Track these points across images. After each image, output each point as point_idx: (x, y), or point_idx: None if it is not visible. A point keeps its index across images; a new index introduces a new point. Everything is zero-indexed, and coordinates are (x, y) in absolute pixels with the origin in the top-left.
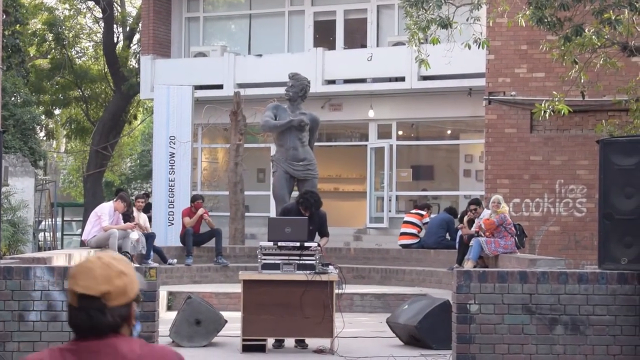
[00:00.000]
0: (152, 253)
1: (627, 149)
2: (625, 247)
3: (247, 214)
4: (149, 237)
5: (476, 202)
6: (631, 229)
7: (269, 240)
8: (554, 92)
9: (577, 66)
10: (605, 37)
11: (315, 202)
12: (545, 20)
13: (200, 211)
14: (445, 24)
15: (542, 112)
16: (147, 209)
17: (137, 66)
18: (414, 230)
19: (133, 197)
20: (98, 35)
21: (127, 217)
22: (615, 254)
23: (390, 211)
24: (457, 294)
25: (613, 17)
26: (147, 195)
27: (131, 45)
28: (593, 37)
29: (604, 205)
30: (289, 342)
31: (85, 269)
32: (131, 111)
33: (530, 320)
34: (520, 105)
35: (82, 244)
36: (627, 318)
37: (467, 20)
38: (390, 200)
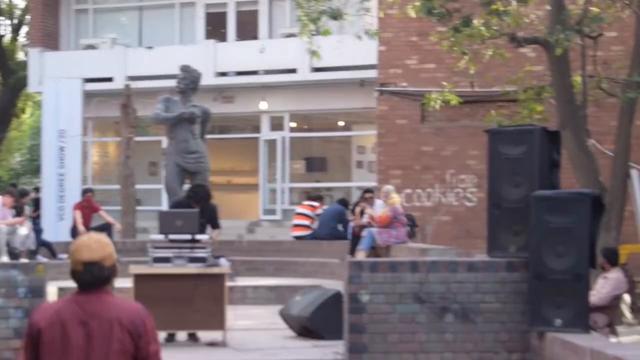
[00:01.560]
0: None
1: (514, 138)
2: (514, 235)
3: (138, 207)
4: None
5: (370, 191)
6: (519, 218)
7: (159, 234)
8: (444, 83)
9: (466, 57)
10: (494, 28)
11: (205, 195)
12: (435, 11)
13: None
14: (336, 16)
15: (432, 102)
16: (36, 203)
17: (25, 59)
18: (306, 222)
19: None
20: None
21: (19, 211)
22: (504, 243)
23: (283, 203)
24: (349, 285)
25: (501, 9)
26: (37, 189)
27: (19, 37)
28: (482, 28)
29: (492, 195)
30: (181, 335)
31: (85, 245)
32: (19, 105)
33: (421, 309)
34: (411, 96)
35: None
36: (515, 305)
37: (358, 11)
38: (283, 192)
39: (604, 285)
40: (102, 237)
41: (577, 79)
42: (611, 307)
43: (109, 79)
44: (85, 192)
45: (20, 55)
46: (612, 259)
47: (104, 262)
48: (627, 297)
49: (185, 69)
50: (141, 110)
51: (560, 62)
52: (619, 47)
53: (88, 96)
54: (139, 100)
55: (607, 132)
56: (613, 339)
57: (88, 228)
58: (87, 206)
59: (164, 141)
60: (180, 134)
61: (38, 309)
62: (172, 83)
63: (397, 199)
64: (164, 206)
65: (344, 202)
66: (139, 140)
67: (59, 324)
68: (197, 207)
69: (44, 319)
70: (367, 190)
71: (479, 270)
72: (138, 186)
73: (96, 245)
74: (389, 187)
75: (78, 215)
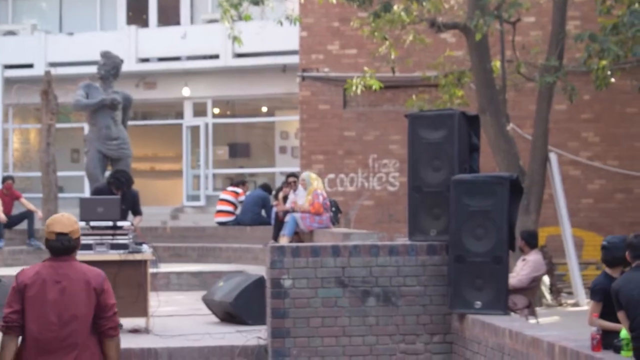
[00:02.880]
0: None
1: (434, 123)
2: (434, 219)
3: (60, 194)
4: None
5: (293, 175)
6: (439, 201)
7: (81, 221)
8: (366, 68)
9: (387, 42)
10: (414, 13)
11: (126, 181)
12: None
13: None
14: (257, 1)
15: (354, 87)
16: None
17: None
18: (229, 208)
19: None
20: None
21: None
22: (425, 226)
23: (207, 189)
24: (271, 270)
25: None
26: None
27: None
28: (402, 13)
29: (413, 179)
30: None
31: (57, 220)
32: None
33: (343, 293)
34: (334, 81)
35: None
36: (436, 288)
37: None
38: (207, 178)
39: (523, 268)
40: (71, 215)
41: (497, 63)
42: (530, 289)
43: (30, 66)
44: (5, 179)
45: None
46: (531, 241)
47: (72, 234)
48: (546, 279)
49: (106, 55)
50: (62, 96)
51: (479, 47)
52: (537, 32)
53: (8, 83)
54: (59, 87)
55: (526, 117)
56: (532, 320)
57: (9, 215)
58: (8, 194)
59: (86, 128)
60: (101, 121)
61: (22, 271)
62: (93, 69)
63: (318, 184)
64: (86, 193)
65: (267, 188)
66: (60, 127)
67: (39, 282)
68: (118, 193)
69: (28, 278)
70: (290, 175)
71: (400, 254)
72: (60, 173)
73: (67, 221)
74: (306, 174)
75: None
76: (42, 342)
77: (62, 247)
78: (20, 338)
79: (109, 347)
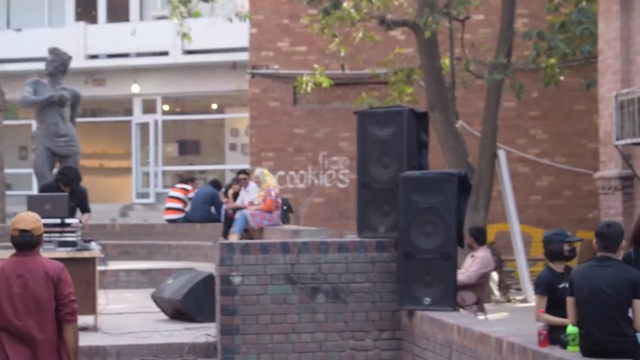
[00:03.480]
0: None
1: (383, 120)
2: (383, 215)
3: (8, 192)
4: None
5: (244, 172)
6: (388, 198)
7: None
8: (316, 66)
9: (337, 40)
10: (364, 11)
11: (74, 177)
12: None
13: None
14: None
15: (304, 85)
16: None
17: None
18: (179, 205)
19: None
20: None
21: None
22: (374, 223)
23: (156, 186)
24: (220, 267)
25: None
26: None
27: None
28: (352, 10)
29: (362, 176)
30: None
31: (21, 218)
32: None
33: (293, 290)
34: (284, 78)
35: None
36: (385, 285)
37: None
38: (156, 175)
39: (472, 264)
40: (35, 214)
41: (446, 61)
42: (479, 285)
43: None
44: None
45: None
46: (480, 238)
47: (34, 231)
48: (495, 275)
49: (54, 51)
50: (10, 93)
51: (428, 44)
52: (486, 29)
53: None
54: (7, 84)
55: (475, 114)
56: (481, 316)
57: None
58: None
59: (34, 125)
60: (49, 117)
61: None
62: (41, 66)
63: (271, 181)
64: (34, 190)
65: (216, 184)
66: (8, 124)
67: (4, 277)
68: (66, 190)
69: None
70: (241, 172)
71: (349, 250)
72: (7, 170)
73: (30, 219)
74: (260, 171)
75: None
76: (12, 331)
77: (25, 242)
78: None
79: (66, 331)
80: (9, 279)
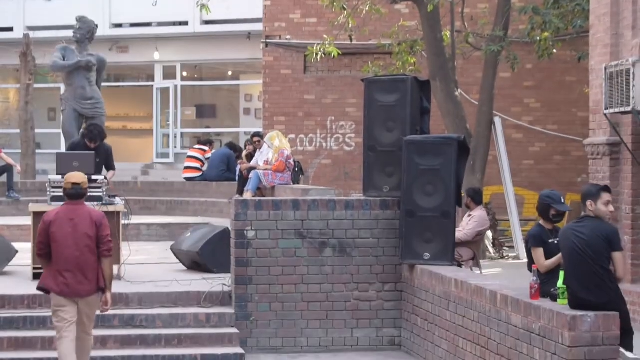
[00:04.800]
0: None
1: (388, 87)
2: (387, 176)
3: (38, 150)
4: None
5: (258, 135)
6: (392, 160)
7: (57, 174)
8: (325, 36)
9: (345, 12)
10: None
11: (99, 133)
12: None
13: None
14: None
15: (314, 54)
16: None
17: None
18: (197, 165)
19: None
20: None
21: None
22: (378, 183)
23: (175, 147)
24: (235, 222)
25: None
26: None
27: None
28: None
29: (368, 139)
30: None
31: (73, 175)
32: None
33: (302, 244)
34: (295, 48)
35: None
36: (388, 240)
37: None
38: (175, 137)
39: (469, 223)
40: (82, 173)
41: (447, 33)
42: (475, 242)
43: (9, 29)
44: None
45: None
46: (477, 198)
47: (82, 185)
48: (489, 234)
49: (81, 19)
50: (40, 58)
51: (431, 18)
52: (485, 4)
53: None
54: (38, 50)
55: (473, 83)
56: (476, 271)
57: None
58: None
59: (62, 88)
60: (77, 81)
61: (47, 213)
62: (69, 33)
63: (283, 143)
64: (62, 149)
65: (232, 146)
66: (38, 87)
67: (59, 220)
68: (92, 145)
69: (52, 217)
70: (255, 135)
71: (355, 208)
72: (37, 130)
73: (79, 176)
74: (273, 133)
75: None
76: (64, 261)
77: (76, 193)
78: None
79: (104, 263)
80: (63, 222)
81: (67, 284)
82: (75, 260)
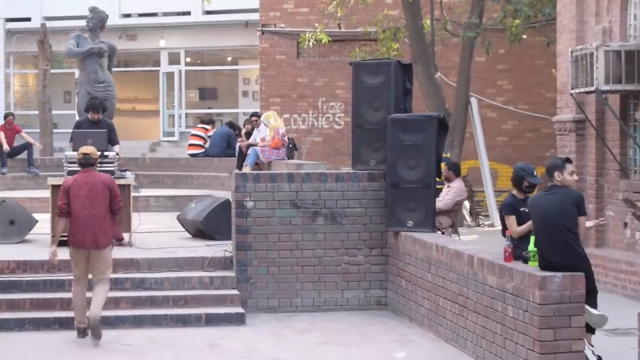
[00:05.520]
0: None
1: (374, 70)
2: (374, 151)
3: (55, 130)
4: None
5: (256, 114)
6: (378, 136)
7: (73, 151)
8: (316, 25)
9: (334, 2)
10: None
11: (100, 103)
12: None
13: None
14: None
15: (307, 41)
16: None
17: None
18: (200, 142)
19: None
20: None
21: None
22: (366, 158)
23: (180, 126)
24: (236, 193)
25: None
26: None
27: None
28: None
29: (356, 118)
30: None
31: (84, 148)
32: None
33: (297, 214)
34: (289, 35)
35: None
36: (375, 210)
37: None
38: (180, 117)
39: (448, 193)
40: (93, 147)
41: (427, 21)
42: (454, 211)
43: (28, 19)
44: (7, 116)
45: None
46: (455, 171)
47: (91, 154)
48: (467, 204)
49: (94, 10)
50: (56, 46)
51: (412, 7)
52: None
53: (9, 34)
54: (54, 38)
55: (451, 67)
56: (455, 237)
57: (11, 147)
58: (10, 128)
59: (77, 73)
60: (90, 67)
61: (67, 179)
62: (82, 22)
63: (278, 122)
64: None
65: (232, 125)
66: (55, 72)
67: (76, 184)
68: (95, 118)
69: (70, 182)
70: (253, 115)
71: (345, 180)
72: (54, 112)
73: (89, 148)
74: (269, 113)
75: (1, 135)
76: (81, 217)
77: (87, 162)
78: (68, 219)
79: (117, 217)
80: (80, 186)
81: (83, 238)
82: (91, 218)
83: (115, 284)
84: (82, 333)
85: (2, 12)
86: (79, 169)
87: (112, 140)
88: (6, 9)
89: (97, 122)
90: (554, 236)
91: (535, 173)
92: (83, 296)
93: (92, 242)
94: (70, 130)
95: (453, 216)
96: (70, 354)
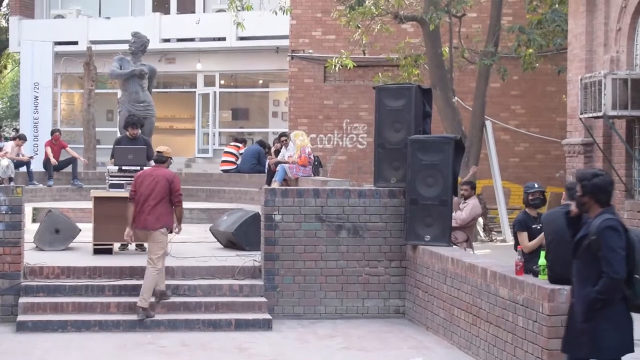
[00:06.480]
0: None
1: (396, 93)
2: (394, 169)
3: (98, 146)
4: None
5: (284, 134)
6: (398, 156)
7: (115, 165)
8: (342, 51)
9: (359, 30)
10: (382, 7)
11: (138, 120)
12: None
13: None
14: None
15: (333, 66)
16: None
17: (6, 25)
18: (232, 159)
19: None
20: None
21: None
22: (387, 175)
23: (214, 144)
24: (265, 207)
25: None
26: (17, 131)
27: (1, 7)
28: (372, 7)
29: (378, 138)
30: (131, 246)
31: (160, 147)
32: (1, 62)
33: (322, 227)
34: (316, 60)
35: None
36: (395, 224)
37: None
38: (214, 135)
39: (464, 210)
40: (168, 147)
41: (446, 49)
42: (469, 227)
43: (75, 43)
44: (53, 132)
45: (2, 22)
46: (474, 189)
47: (164, 153)
48: (481, 220)
49: (136, 35)
50: (100, 68)
51: (432, 35)
52: (478, 25)
53: (57, 56)
54: (98, 60)
55: (468, 92)
56: (469, 251)
57: (57, 161)
58: (56, 144)
59: (119, 93)
60: (131, 87)
61: (138, 173)
62: (125, 47)
63: (305, 141)
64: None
65: (262, 144)
66: (99, 92)
67: (144, 176)
68: (134, 133)
69: (141, 173)
70: (282, 135)
71: (367, 196)
72: (98, 129)
73: (163, 147)
74: (296, 132)
75: (49, 150)
76: (142, 202)
77: (158, 159)
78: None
79: (177, 210)
80: (147, 177)
81: (140, 219)
82: (152, 205)
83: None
84: (142, 313)
85: (52, 36)
86: (121, 182)
87: (148, 155)
88: (56, 34)
89: (135, 138)
90: (564, 250)
91: (535, 185)
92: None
93: (144, 224)
94: (111, 147)
95: (468, 231)
96: (109, 354)
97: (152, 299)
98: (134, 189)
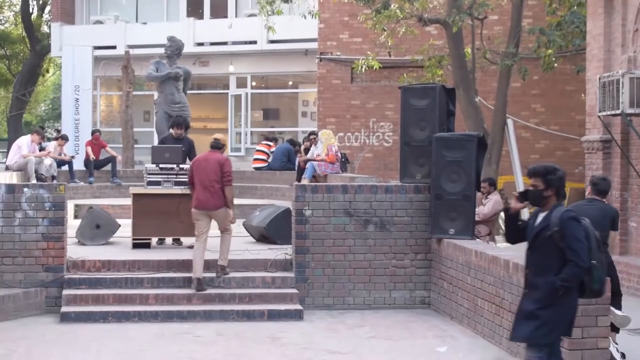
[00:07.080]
0: (74, 173)
1: (420, 93)
2: (419, 166)
3: (136, 145)
4: (70, 163)
5: (314, 133)
6: (423, 153)
7: (152, 164)
8: (369, 53)
9: (385, 33)
10: (406, 11)
11: (183, 120)
12: None
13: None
14: (287, 0)
15: (360, 67)
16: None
17: (48, 31)
18: (264, 157)
19: (51, 134)
20: (17, 6)
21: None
22: (412, 172)
23: (246, 143)
24: (296, 202)
25: None
26: (58, 131)
27: (44, 14)
28: (397, 10)
29: (404, 136)
30: (168, 240)
31: (216, 135)
32: (44, 66)
33: (350, 221)
34: (344, 62)
35: (7, 169)
36: (420, 219)
37: None
38: (246, 134)
39: (486, 205)
40: (223, 135)
41: (468, 50)
42: (491, 221)
43: (113, 47)
44: (93, 132)
45: (45, 28)
46: (493, 185)
47: (221, 141)
48: (502, 214)
49: (171, 39)
50: (137, 70)
51: (455, 37)
52: (499, 26)
53: (97, 60)
54: (136, 64)
55: (490, 91)
56: (492, 244)
57: (97, 159)
58: (96, 143)
59: (155, 94)
60: (167, 89)
61: (194, 159)
62: (161, 50)
63: (331, 139)
64: (156, 144)
65: (292, 142)
66: (136, 94)
67: (200, 160)
68: (178, 133)
69: (197, 158)
70: (312, 133)
71: (394, 192)
72: (135, 129)
73: (219, 135)
74: (324, 131)
75: (89, 150)
76: (200, 185)
77: (215, 145)
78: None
79: (227, 190)
80: (202, 161)
81: (201, 200)
82: (207, 186)
83: (189, 283)
84: (196, 284)
85: (91, 41)
86: (158, 179)
87: (191, 155)
88: (95, 38)
89: (180, 138)
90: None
91: None
92: (202, 252)
93: (205, 204)
94: (150, 146)
95: (490, 225)
96: (148, 343)
97: (208, 275)
98: (191, 173)
